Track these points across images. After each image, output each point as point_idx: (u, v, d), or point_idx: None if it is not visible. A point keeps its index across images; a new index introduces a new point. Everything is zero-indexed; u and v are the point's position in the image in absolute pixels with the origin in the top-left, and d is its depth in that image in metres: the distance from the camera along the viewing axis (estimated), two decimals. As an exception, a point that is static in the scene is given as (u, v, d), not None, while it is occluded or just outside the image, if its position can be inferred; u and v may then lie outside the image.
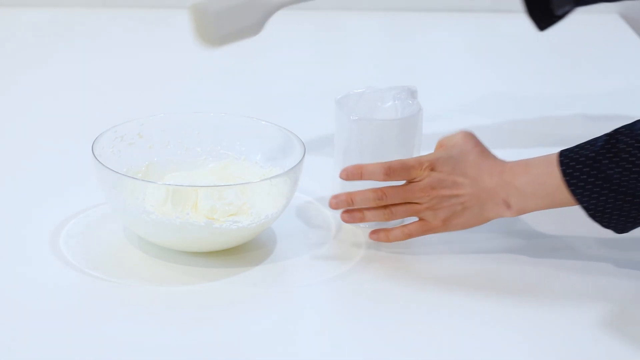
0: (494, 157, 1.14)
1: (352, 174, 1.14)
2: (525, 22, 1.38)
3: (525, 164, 1.12)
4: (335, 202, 1.15)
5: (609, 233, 1.11)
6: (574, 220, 1.18)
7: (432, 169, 1.12)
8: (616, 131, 1.08)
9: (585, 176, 1.07)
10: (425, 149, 1.24)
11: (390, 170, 1.13)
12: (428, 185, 1.12)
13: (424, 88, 1.31)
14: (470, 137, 1.15)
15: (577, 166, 1.08)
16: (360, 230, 1.21)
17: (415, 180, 1.13)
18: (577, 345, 1.03)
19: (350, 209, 1.15)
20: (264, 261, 1.15)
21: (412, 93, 1.22)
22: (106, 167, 1.13)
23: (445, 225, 1.14)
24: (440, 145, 1.16)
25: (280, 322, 1.07)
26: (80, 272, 1.12)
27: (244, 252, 1.16)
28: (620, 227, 1.09)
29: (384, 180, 1.14)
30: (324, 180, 1.27)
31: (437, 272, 1.15)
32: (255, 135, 1.26)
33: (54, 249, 1.16)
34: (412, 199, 1.14)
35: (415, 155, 1.21)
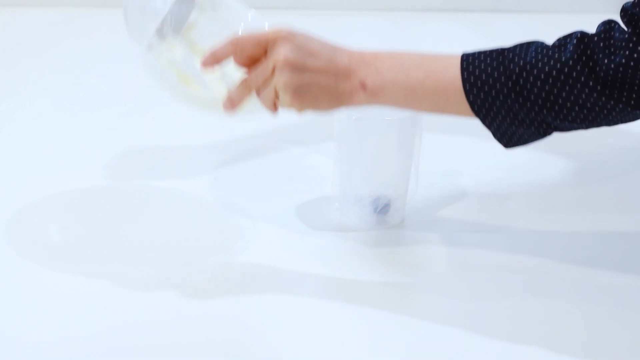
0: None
1: (208, 59, 1.08)
2: (525, 22, 1.38)
3: (391, 54, 1.12)
4: (230, 103, 1.10)
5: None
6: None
7: (289, 38, 1.06)
8: (532, 41, 1.06)
9: (483, 65, 1.04)
10: (425, 149, 1.25)
11: (238, 37, 1.07)
12: (284, 54, 1.05)
13: (424, 88, 1.30)
14: None
15: (477, 56, 1.05)
16: (363, 231, 1.21)
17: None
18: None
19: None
20: (263, 262, 1.15)
21: (413, 93, 1.22)
22: None
23: (298, 99, 1.08)
24: None
25: (283, 323, 1.07)
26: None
27: (241, 255, 1.16)
28: (501, 132, 1.06)
29: (234, 49, 1.07)
30: (324, 180, 1.28)
31: (451, 273, 1.14)
32: None
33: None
34: (270, 70, 1.07)
35: (416, 156, 1.21)
